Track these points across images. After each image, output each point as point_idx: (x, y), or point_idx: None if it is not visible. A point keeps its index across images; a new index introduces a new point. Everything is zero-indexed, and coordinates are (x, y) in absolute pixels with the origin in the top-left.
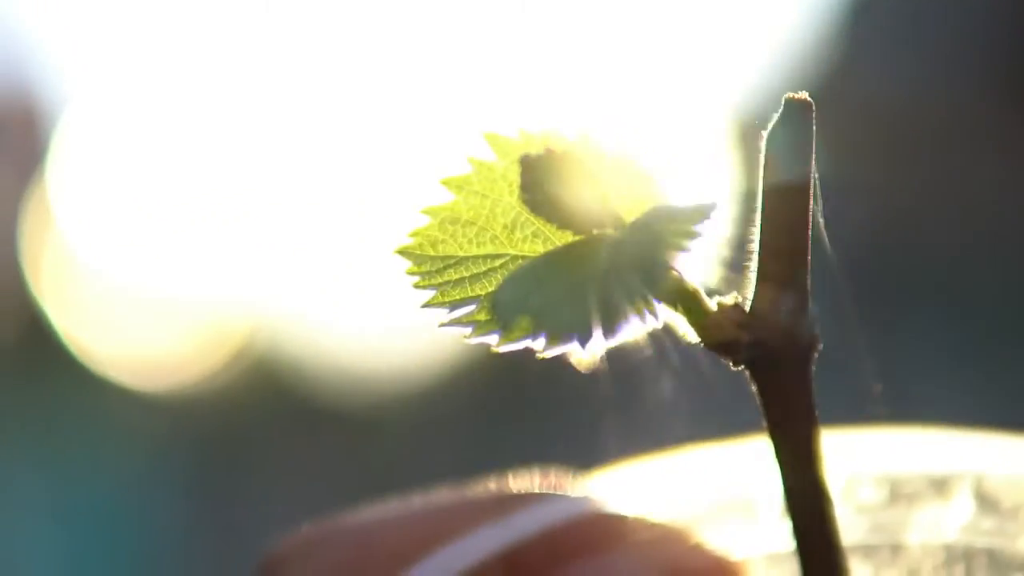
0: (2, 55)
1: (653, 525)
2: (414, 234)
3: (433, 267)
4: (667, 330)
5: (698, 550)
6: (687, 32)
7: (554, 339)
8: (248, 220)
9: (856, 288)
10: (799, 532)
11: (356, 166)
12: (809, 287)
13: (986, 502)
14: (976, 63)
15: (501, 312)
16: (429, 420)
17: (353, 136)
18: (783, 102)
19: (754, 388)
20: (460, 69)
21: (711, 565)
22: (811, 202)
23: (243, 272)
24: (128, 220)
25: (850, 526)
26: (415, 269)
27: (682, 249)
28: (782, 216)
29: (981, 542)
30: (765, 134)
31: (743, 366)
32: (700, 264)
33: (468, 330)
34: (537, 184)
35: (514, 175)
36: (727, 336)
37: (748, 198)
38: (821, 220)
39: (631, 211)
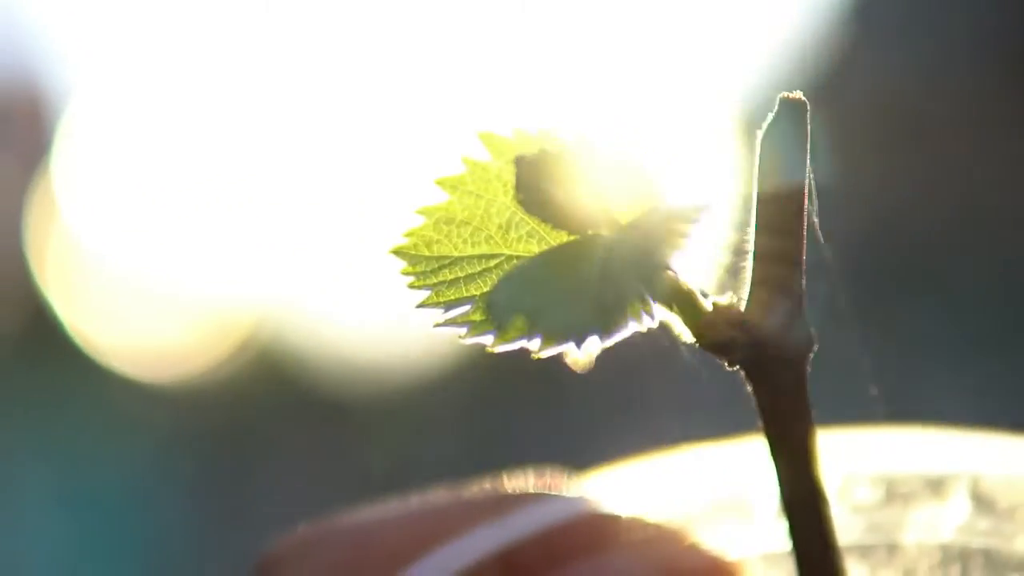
0: (7, 46)
1: (649, 525)
2: (409, 234)
3: (428, 267)
4: (663, 330)
5: (694, 550)
6: (687, 32)
7: (549, 339)
8: (252, 210)
9: (852, 286)
10: (795, 532)
11: (356, 162)
12: (804, 287)
13: (982, 502)
14: (980, 56)
15: (496, 312)
16: (433, 410)
17: (353, 134)
18: (778, 101)
19: (750, 388)
20: (456, 68)
21: (707, 565)
22: (806, 202)
23: (247, 263)
24: (133, 211)
25: (846, 526)
26: (410, 269)
27: (678, 249)
28: (777, 217)
29: (977, 542)
30: (760, 134)
31: (739, 366)
32: (696, 264)
33: (463, 330)
34: (532, 184)
35: (509, 175)
36: (723, 336)
37: (744, 198)
38: (816, 219)
39: (626, 211)
